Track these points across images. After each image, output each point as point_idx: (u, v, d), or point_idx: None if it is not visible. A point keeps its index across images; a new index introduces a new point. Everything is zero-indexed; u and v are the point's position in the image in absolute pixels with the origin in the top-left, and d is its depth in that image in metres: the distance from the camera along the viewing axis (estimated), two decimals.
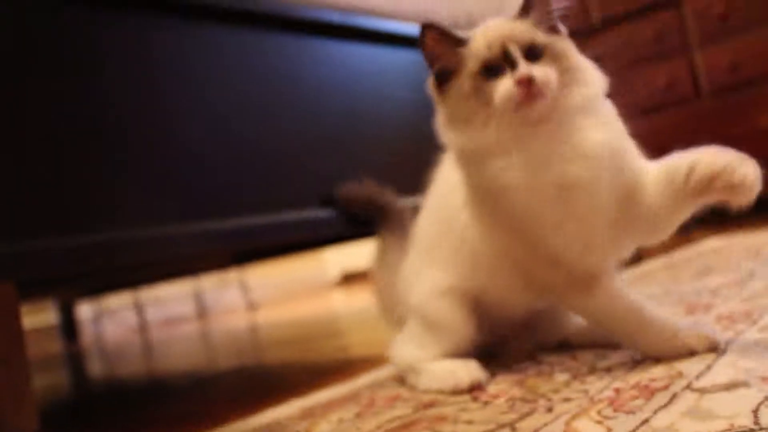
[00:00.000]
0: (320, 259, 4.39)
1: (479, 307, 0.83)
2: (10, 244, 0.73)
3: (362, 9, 1.18)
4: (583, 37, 2.99)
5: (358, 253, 4.04)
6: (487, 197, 0.74)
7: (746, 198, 0.66)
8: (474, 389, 0.76)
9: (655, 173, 0.72)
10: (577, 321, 0.86)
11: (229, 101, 0.95)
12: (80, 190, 0.79)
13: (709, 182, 0.67)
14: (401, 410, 0.74)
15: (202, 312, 3.79)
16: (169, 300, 3.68)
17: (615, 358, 0.77)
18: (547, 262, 0.73)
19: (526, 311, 0.85)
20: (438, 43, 0.73)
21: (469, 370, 0.78)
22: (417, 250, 0.91)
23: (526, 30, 0.71)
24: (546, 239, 0.71)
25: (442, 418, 0.68)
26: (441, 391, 0.78)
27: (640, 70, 2.60)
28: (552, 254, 0.72)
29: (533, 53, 0.70)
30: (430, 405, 0.74)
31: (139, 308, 3.44)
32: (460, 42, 0.73)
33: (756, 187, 0.65)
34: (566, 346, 0.87)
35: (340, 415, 0.78)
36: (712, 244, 1.73)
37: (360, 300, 2.73)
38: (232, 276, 3.78)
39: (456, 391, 0.77)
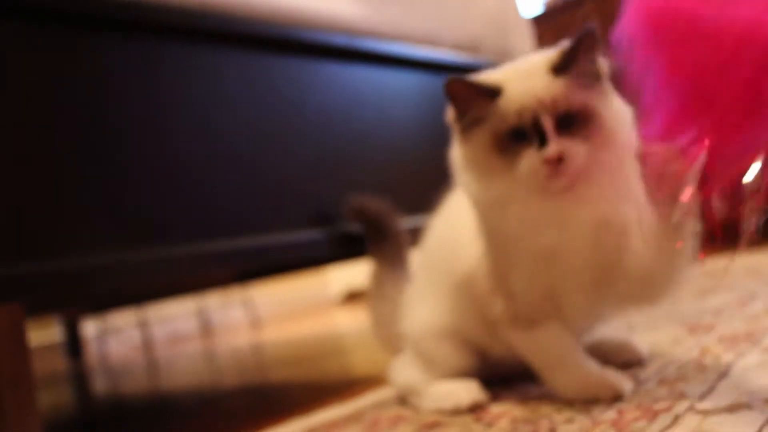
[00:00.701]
0: (324, 277, 4.39)
1: (478, 348, 0.82)
2: (18, 266, 0.73)
3: (366, 32, 1.20)
4: None
5: (362, 272, 4.04)
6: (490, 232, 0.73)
7: None
8: (475, 410, 0.76)
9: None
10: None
11: (232, 124, 0.96)
12: (82, 212, 0.80)
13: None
14: (404, 430, 0.74)
15: (206, 330, 3.78)
16: (174, 318, 3.68)
17: None
18: (503, 292, 0.73)
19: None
20: (469, 99, 0.68)
21: (470, 391, 0.79)
22: (418, 278, 0.90)
23: (562, 95, 0.66)
24: (512, 274, 0.72)
25: None
26: (441, 411, 0.78)
27: None
28: (510, 289, 0.72)
29: (566, 122, 0.65)
30: (434, 425, 0.74)
31: (143, 326, 3.44)
32: (489, 92, 0.68)
33: None
34: None
35: None
36: (713, 263, 1.72)
37: (363, 319, 2.72)
38: (236, 294, 3.77)
39: (456, 412, 0.77)
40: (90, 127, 0.82)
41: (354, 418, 0.86)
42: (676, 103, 0.60)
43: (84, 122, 0.82)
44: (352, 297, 4.34)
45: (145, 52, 0.88)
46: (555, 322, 0.73)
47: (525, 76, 0.68)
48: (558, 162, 0.64)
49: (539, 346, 0.74)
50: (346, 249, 1.06)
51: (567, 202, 0.67)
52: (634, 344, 0.83)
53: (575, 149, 0.64)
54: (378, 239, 1.01)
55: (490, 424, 0.70)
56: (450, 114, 0.72)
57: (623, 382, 0.71)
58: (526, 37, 1.77)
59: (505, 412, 0.73)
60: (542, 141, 0.65)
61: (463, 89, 0.68)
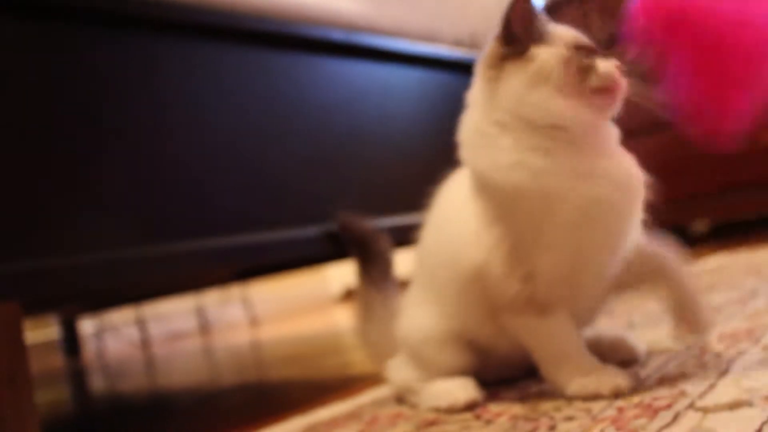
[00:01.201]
0: (323, 275, 4.39)
1: (479, 351, 0.81)
2: (15, 264, 0.73)
3: (365, 28, 1.20)
4: None
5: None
6: (503, 197, 0.70)
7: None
8: (470, 408, 0.76)
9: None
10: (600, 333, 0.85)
11: (230, 120, 0.96)
12: (80, 209, 0.80)
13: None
14: (403, 428, 0.74)
15: (204, 328, 3.78)
16: (172, 316, 3.67)
17: None
18: (522, 274, 0.71)
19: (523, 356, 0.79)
20: (530, 11, 0.70)
21: (466, 389, 0.77)
22: (415, 283, 0.88)
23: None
24: (538, 253, 0.69)
25: None
26: (437, 410, 0.78)
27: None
28: (530, 270, 0.70)
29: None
30: (433, 423, 0.74)
31: (141, 324, 3.43)
32: (542, 20, 0.71)
33: None
34: None
35: None
36: (714, 262, 1.72)
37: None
38: (234, 292, 3.77)
39: (451, 410, 0.76)
40: (87, 123, 0.81)
41: (353, 416, 0.86)
42: (694, 78, 0.70)
43: (81, 119, 0.81)
44: (351, 295, 4.34)
45: (142, 47, 0.88)
46: (565, 312, 0.72)
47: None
48: (620, 76, 0.69)
49: (548, 335, 0.73)
50: (344, 247, 1.05)
51: (604, 157, 0.71)
52: (631, 342, 0.83)
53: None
54: (364, 260, 0.98)
55: (489, 422, 0.70)
56: (493, 50, 0.72)
57: (624, 378, 0.70)
58: None
59: (505, 410, 0.73)
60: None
61: (526, 8, 0.70)
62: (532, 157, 0.67)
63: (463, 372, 0.81)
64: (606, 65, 0.69)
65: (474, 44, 1.52)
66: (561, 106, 0.68)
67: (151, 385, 1.80)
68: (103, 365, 2.81)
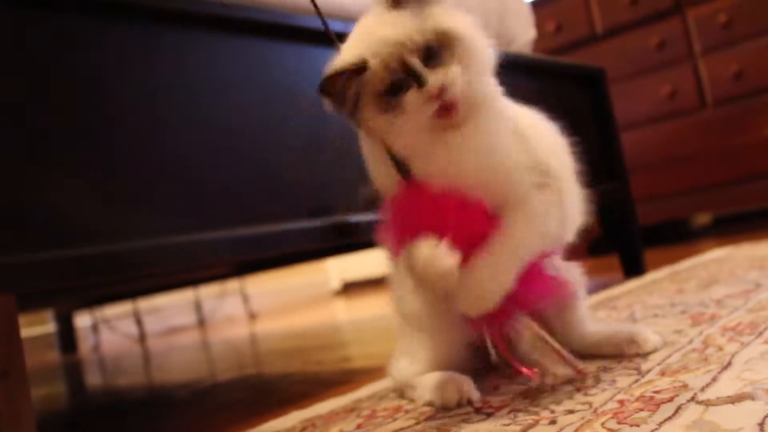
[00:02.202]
0: (320, 269, 4.39)
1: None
2: (10, 257, 0.72)
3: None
4: (586, 46, 3.01)
5: (358, 263, 4.05)
6: None
7: None
8: (462, 405, 0.74)
9: None
10: (583, 333, 0.85)
11: (226, 110, 0.95)
12: (74, 200, 0.79)
13: None
14: (403, 422, 0.74)
15: (201, 322, 3.78)
16: (169, 310, 3.67)
17: (619, 370, 0.76)
18: None
19: None
20: (342, 87, 0.67)
21: (458, 387, 0.75)
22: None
23: (416, 30, 0.65)
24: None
25: (445, 430, 0.67)
26: (431, 405, 0.76)
27: (644, 79, 2.60)
28: None
29: (431, 55, 0.65)
30: (432, 417, 0.73)
31: (138, 318, 3.43)
32: (357, 71, 0.66)
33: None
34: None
35: (341, 427, 0.78)
36: (717, 254, 1.72)
37: (360, 310, 2.72)
38: (232, 286, 3.77)
39: (445, 408, 0.74)
40: (82, 113, 0.80)
41: (352, 410, 0.85)
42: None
43: (75, 109, 0.80)
44: (348, 288, 4.34)
45: (137, 37, 0.87)
46: None
47: (377, 33, 0.66)
48: (441, 96, 0.63)
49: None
50: (342, 240, 1.05)
51: (460, 136, 0.67)
52: (645, 335, 0.82)
53: (451, 75, 0.64)
54: None
55: (489, 415, 0.69)
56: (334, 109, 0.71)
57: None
58: (526, 22, 1.75)
59: (505, 404, 0.72)
60: (419, 82, 0.64)
61: (334, 83, 0.67)
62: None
63: (459, 357, 0.80)
64: (412, 102, 0.65)
65: None
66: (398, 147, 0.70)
67: (147, 380, 1.80)
68: (99, 360, 2.81)
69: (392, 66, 0.65)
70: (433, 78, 0.64)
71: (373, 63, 0.65)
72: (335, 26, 0.83)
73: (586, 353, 0.85)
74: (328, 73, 0.67)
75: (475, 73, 0.67)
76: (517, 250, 0.69)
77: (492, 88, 0.71)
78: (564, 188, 0.77)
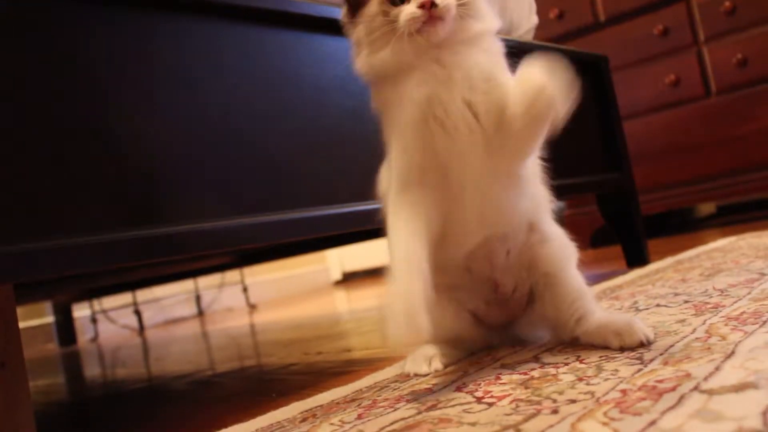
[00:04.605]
0: (320, 259, 4.39)
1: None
2: (8, 246, 0.72)
3: None
4: (589, 33, 2.99)
5: (358, 254, 4.04)
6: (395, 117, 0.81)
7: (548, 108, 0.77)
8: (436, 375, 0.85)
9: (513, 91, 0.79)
10: (587, 322, 0.85)
11: (226, 98, 0.94)
12: (71, 190, 0.78)
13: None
14: (404, 412, 0.73)
15: (201, 313, 3.78)
16: (168, 301, 3.67)
17: (622, 359, 0.75)
18: (390, 168, 0.84)
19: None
20: None
21: (433, 359, 0.88)
22: None
23: None
24: (393, 145, 0.82)
25: (446, 420, 0.67)
26: (409, 374, 0.89)
27: (647, 67, 2.59)
28: (394, 160, 0.82)
29: None
30: (433, 406, 0.73)
31: (137, 309, 3.43)
32: None
33: (557, 100, 0.77)
34: (572, 347, 0.86)
35: (341, 417, 0.77)
36: (721, 244, 1.71)
37: (360, 300, 2.72)
38: (231, 277, 3.77)
39: (418, 376, 0.87)
40: (81, 101, 0.79)
41: (352, 400, 0.85)
42: None
43: (74, 97, 0.79)
44: (348, 279, 4.34)
45: (137, 24, 0.86)
46: (426, 189, 0.80)
47: None
48: (431, 6, 0.75)
49: (394, 212, 0.80)
50: (344, 231, 1.04)
51: (448, 54, 0.78)
52: (638, 327, 0.81)
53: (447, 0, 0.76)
54: None
55: (491, 405, 0.68)
56: (343, 12, 0.83)
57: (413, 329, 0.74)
58: (528, 9, 1.74)
59: (507, 393, 0.72)
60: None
61: None
62: (382, 91, 0.82)
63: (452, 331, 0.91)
64: (407, 10, 0.76)
65: None
66: (378, 61, 0.79)
67: (146, 371, 1.80)
68: (98, 351, 2.81)
69: None
70: None
71: None
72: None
73: (586, 342, 0.84)
74: None
75: (471, 13, 0.79)
76: None
77: (495, 45, 0.83)
78: None
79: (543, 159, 0.89)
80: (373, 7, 0.80)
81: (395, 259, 0.77)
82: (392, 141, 0.83)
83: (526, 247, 0.88)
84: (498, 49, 0.83)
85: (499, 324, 0.95)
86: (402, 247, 0.78)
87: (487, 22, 0.82)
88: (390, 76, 0.80)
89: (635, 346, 0.79)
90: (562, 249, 0.88)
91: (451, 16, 0.77)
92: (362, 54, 0.81)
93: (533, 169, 0.88)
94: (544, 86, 0.75)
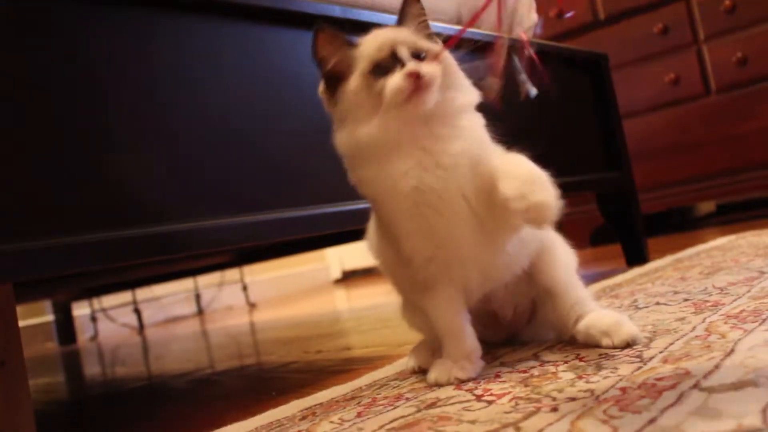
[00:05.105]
0: (320, 258, 4.39)
1: None
2: (8, 245, 0.72)
3: (363, 5, 1.17)
4: (589, 32, 2.99)
5: (358, 252, 4.04)
6: (368, 198, 0.81)
7: (543, 220, 0.71)
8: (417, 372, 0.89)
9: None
10: (582, 321, 0.85)
11: (227, 97, 0.94)
12: (72, 190, 0.78)
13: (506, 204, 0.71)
14: (403, 410, 0.73)
15: (200, 312, 3.78)
16: (167, 300, 3.67)
17: (621, 357, 0.75)
18: (401, 260, 0.81)
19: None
20: (330, 45, 0.78)
21: (417, 358, 0.91)
22: None
23: (410, 35, 0.78)
24: (401, 240, 0.79)
25: (446, 418, 0.67)
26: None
27: (647, 65, 2.59)
28: (405, 257, 0.80)
29: (418, 56, 0.76)
30: (433, 404, 0.73)
31: (136, 308, 3.43)
32: (351, 45, 0.78)
33: (552, 210, 0.71)
34: (572, 345, 0.86)
35: (341, 415, 0.77)
36: (721, 242, 1.71)
37: (360, 299, 2.72)
38: (231, 275, 3.77)
39: (404, 372, 0.91)
40: (81, 100, 0.79)
41: (352, 398, 0.85)
42: None
43: (74, 96, 0.79)
44: (347, 277, 4.34)
45: (137, 22, 0.86)
46: (444, 289, 0.80)
47: (380, 30, 0.79)
48: (418, 77, 0.73)
49: (432, 311, 0.82)
50: (344, 229, 1.04)
51: (433, 139, 0.75)
52: (627, 327, 0.81)
53: (431, 68, 0.74)
54: None
55: (491, 403, 0.68)
56: (320, 87, 0.80)
57: (461, 370, 0.79)
58: (528, 7, 1.73)
59: (506, 391, 0.72)
60: (402, 64, 0.75)
61: (327, 39, 0.78)
62: (365, 171, 0.78)
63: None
64: (393, 81, 0.73)
65: (462, 20, 1.50)
66: (364, 135, 0.75)
67: (146, 370, 1.80)
68: (97, 350, 2.81)
69: (384, 50, 0.76)
70: (414, 63, 0.74)
71: (368, 44, 0.77)
72: (363, 16, 0.85)
73: (581, 340, 0.84)
74: (325, 27, 0.78)
75: (453, 85, 0.77)
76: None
77: (477, 120, 0.80)
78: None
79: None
80: (355, 81, 0.76)
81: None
82: (388, 227, 0.81)
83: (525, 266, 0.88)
84: (480, 123, 0.80)
85: (499, 340, 0.96)
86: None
87: (468, 94, 0.79)
88: (374, 155, 0.76)
89: (623, 346, 0.79)
90: (561, 259, 0.87)
91: (437, 85, 0.74)
92: (346, 129, 0.77)
93: None
94: (547, 206, 0.71)
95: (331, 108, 0.79)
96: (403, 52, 0.76)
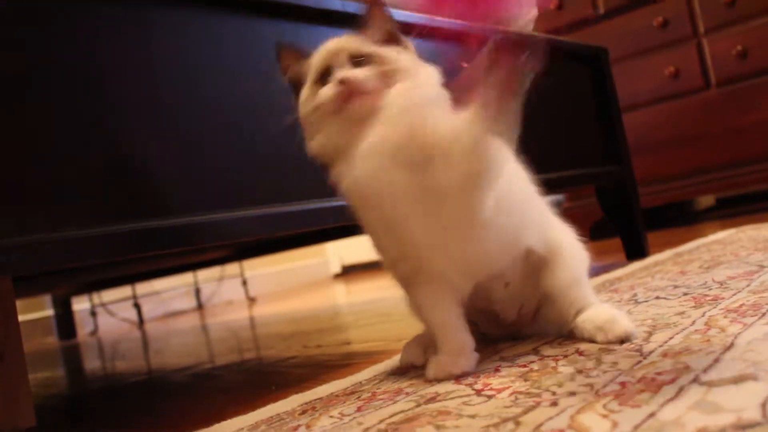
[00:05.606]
0: (320, 252, 4.39)
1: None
2: (8, 239, 0.71)
3: None
4: (589, 25, 2.98)
5: (358, 247, 4.04)
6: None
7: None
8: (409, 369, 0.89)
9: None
10: (583, 315, 0.85)
11: (228, 90, 0.94)
12: (71, 183, 0.78)
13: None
14: (403, 404, 0.73)
15: (200, 306, 3.78)
16: (167, 294, 3.67)
17: (621, 351, 0.75)
18: (385, 261, 0.83)
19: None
20: (290, 60, 0.83)
21: (412, 353, 0.91)
22: None
23: (356, 42, 0.80)
24: (374, 238, 0.81)
25: (445, 412, 0.67)
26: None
27: (647, 59, 2.58)
28: (383, 253, 0.82)
29: (358, 61, 0.78)
30: (433, 399, 0.73)
31: (136, 303, 3.43)
32: (306, 57, 0.82)
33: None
34: (572, 340, 0.86)
35: (341, 409, 0.77)
36: (720, 236, 1.71)
37: (360, 293, 2.72)
38: (231, 270, 3.77)
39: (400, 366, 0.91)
40: (80, 94, 0.79)
41: (352, 392, 0.85)
42: None
43: (74, 89, 0.79)
44: (347, 272, 4.34)
45: (137, 15, 0.85)
46: (430, 285, 0.80)
47: (331, 40, 0.82)
48: (346, 84, 0.75)
49: (422, 306, 0.83)
50: (345, 223, 1.04)
51: (368, 127, 0.75)
52: (622, 322, 0.81)
53: (361, 73, 0.76)
54: None
55: (490, 398, 0.68)
56: (293, 99, 0.83)
57: (456, 366, 0.79)
58: (527, 2, 1.73)
59: (506, 386, 0.72)
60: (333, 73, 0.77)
61: (287, 55, 0.84)
62: (333, 174, 0.79)
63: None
64: (324, 90, 0.77)
65: None
66: (316, 144, 0.79)
67: (146, 364, 1.80)
68: (97, 344, 2.82)
69: (325, 59, 0.79)
70: (342, 71, 0.77)
71: (316, 54, 0.81)
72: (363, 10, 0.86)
73: (578, 335, 0.85)
74: (283, 44, 0.85)
75: (398, 74, 0.78)
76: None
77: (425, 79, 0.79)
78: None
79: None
80: (306, 92, 0.80)
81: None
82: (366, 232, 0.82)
83: (530, 270, 0.87)
84: (429, 81, 0.79)
85: (502, 336, 0.95)
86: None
87: (420, 77, 0.78)
88: (331, 161, 0.79)
89: (617, 342, 0.79)
90: (566, 265, 0.86)
91: (371, 86, 0.75)
92: (307, 138, 0.81)
93: (519, 196, 0.83)
94: (479, 143, 0.72)
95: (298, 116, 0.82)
96: (339, 60, 0.78)
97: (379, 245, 0.82)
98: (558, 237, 0.88)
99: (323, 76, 0.79)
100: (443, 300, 0.81)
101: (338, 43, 0.80)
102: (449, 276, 0.80)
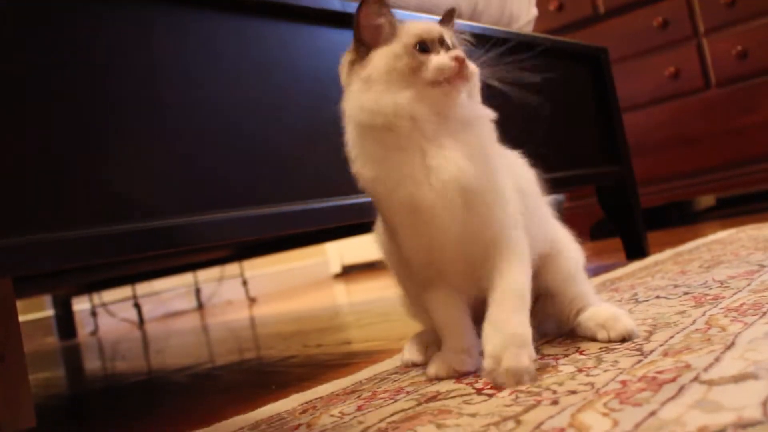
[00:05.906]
0: (320, 252, 4.39)
1: None
2: (8, 240, 0.71)
3: None
4: (589, 25, 2.98)
5: (358, 247, 4.04)
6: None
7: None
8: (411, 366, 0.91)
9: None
10: (581, 314, 0.85)
11: (226, 91, 0.94)
12: (71, 185, 0.78)
13: None
14: (404, 403, 0.73)
15: (200, 306, 3.78)
16: (167, 294, 3.67)
17: (622, 350, 0.75)
18: (403, 259, 0.83)
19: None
20: (376, 14, 0.77)
21: (412, 351, 0.92)
22: None
23: (448, 32, 0.80)
24: (402, 241, 0.80)
25: (446, 411, 0.67)
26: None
27: (647, 59, 2.58)
28: (405, 257, 0.82)
29: (446, 48, 0.78)
30: (433, 398, 0.73)
31: (136, 303, 3.43)
32: (394, 18, 0.79)
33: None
34: (572, 339, 0.86)
35: (341, 408, 0.77)
36: (721, 236, 1.71)
37: (360, 293, 2.72)
38: (231, 270, 3.77)
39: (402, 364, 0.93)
40: (80, 95, 0.79)
41: (352, 391, 0.85)
42: None
43: (73, 90, 0.79)
44: (347, 272, 4.34)
45: (136, 16, 0.85)
46: (443, 288, 0.81)
47: (425, 20, 0.83)
48: (463, 63, 0.75)
49: (431, 309, 0.83)
50: (344, 223, 1.04)
51: (437, 144, 0.75)
52: (623, 320, 0.81)
53: (472, 63, 0.77)
54: None
55: (491, 396, 0.68)
56: (350, 52, 0.79)
57: (465, 362, 0.80)
58: (528, 1, 1.73)
59: None
60: (448, 48, 0.77)
61: (375, 7, 0.77)
62: (366, 169, 0.78)
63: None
64: (440, 59, 0.75)
65: (475, 16, 1.49)
66: (390, 102, 0.74)
67: (146, 364, 1.80)
68: (98, 344, 2.82)
69: (432, 33, 0.77)
70: (456, 50, 0.76)
71: (416, 23, 0.79)
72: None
73: (580, 333, 0.85)
74: None
75: (474, 95, 0.79)
76: (524, 294, 0.76)
77: (489, 130, 0.80)
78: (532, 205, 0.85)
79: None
80: (397, 48, 0.76)
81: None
82: (389, 225, 0.82)
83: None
84: (489, 137, 0.79)
85: None
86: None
87: (485, 108, 0.80)
88: (380, 139, 0.76)
89: (619, 340, 0.80)
90: (565, 264, 0.87)
91: (472, 82, 0.77)
92: (371, 92, 0.75)
93: (534, 211, 0.85)
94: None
95: (356, 72, 0.77)
96: (450, 39, 0.78)
97: (405, 248, 0.81)
98: (557, 234, 0.89)
99: (423, 46, 0.76)
100: (455, 301, 0.82)
101: (436, 25, 0.80)
102: (466, 288, 0.81)
